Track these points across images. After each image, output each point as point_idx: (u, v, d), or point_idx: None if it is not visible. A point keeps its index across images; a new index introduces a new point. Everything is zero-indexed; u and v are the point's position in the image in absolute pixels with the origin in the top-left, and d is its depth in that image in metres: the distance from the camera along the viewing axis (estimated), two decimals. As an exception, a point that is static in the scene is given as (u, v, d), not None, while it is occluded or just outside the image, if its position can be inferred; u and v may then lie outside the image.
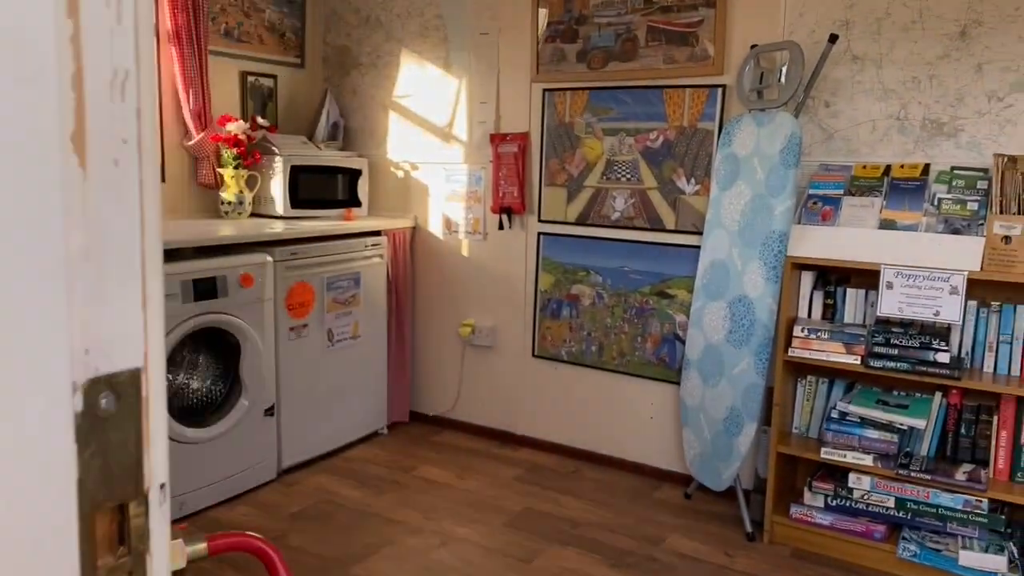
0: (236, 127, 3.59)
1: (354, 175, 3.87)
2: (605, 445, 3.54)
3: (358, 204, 3.89)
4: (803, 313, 2.84)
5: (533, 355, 3.70)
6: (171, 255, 2.86)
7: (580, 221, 3.48)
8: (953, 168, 2.65)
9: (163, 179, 3.56)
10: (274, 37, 4.00)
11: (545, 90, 3.51)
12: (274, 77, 4.04)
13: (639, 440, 3.44)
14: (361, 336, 3.71)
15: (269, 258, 3.19)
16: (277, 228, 3.32)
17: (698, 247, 3.14)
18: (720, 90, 3.08)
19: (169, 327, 2.81)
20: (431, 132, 3.88)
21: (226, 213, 3.66)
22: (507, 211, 3.66)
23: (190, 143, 3.61)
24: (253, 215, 3.73)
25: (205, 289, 2.91)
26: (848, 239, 2.59)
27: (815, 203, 2.75)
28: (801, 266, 2.74)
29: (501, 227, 3.68)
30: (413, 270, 4.04)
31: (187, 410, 3.03)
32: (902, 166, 2.73)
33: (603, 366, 3.49)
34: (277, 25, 4.01)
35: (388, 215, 4.05)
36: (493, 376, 3.85)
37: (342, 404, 3.63)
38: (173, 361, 2.98)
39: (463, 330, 3.83)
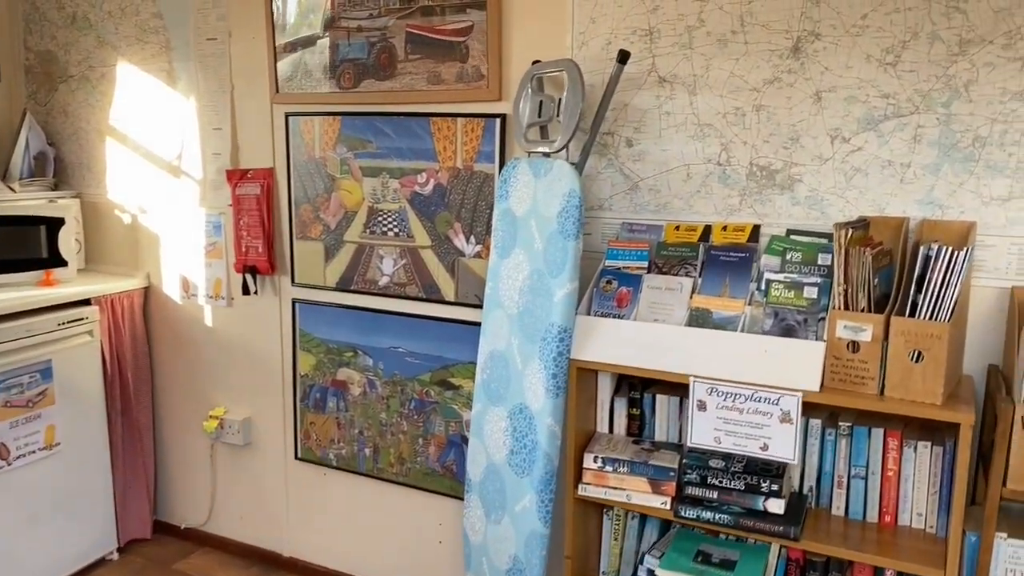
0: None
1: (54, 225, 2.92)
2: (389, 574, 2.75)
3: (61, 263, 2.94)
4: (603, 426, 2.10)
5: (296, 457, 2.86)
6: None
7: (342, 286, 2.65)
8: (789, 232, 1.95)
9: None
10: (-58, 41, 3.00)
11: (288, 114, 2.66)
12: (-54, 94, 3.03)
13: (427, 569, 2.66)
14: (60, 444, 2.78)
15: None
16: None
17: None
18: (498, 121, 2.30)
19: None
20: (159, 165, 2.97)
21: None
22: (252, 271, 2.80)
23: None
24: (-98, 286, 2.74)
25: None
26: (648, 338, 1.86)
27: (610, 282, 2.01)
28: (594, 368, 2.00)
29: (246, 291, 2.82)
30: (150, 345, 3.12)
31: None
32: (724, 228, 2.02)
33: (380, 474, 2.69)
34: (-54, 25, 3.00)
35: (112, 273, 3.11)
36: (252, 482, 2.99)
37: (41, 534, 2.69)
38: None
39: (208, 424, 2.96)
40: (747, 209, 2.03)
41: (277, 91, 2.66)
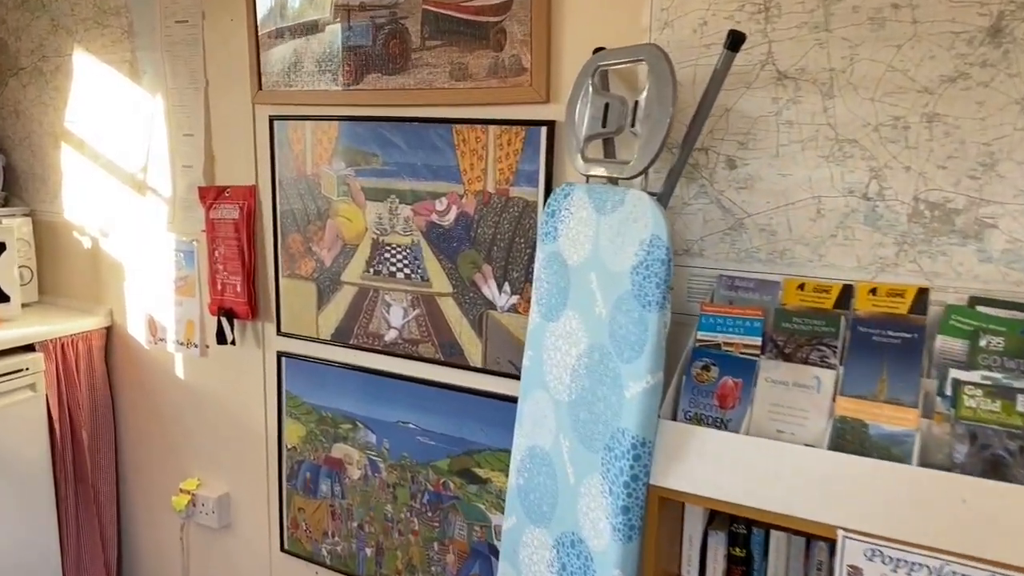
0: None
1: (-8, 252, 2.37)
2: None
3: (2, 298, 2.39)
4: (691, 571, 1.48)
5: (282, 549, 2.28)
6: None
7: (339, 339, 2.06)
8: (974, 301, 1.32)
9: None
10: None
11: (274, 118, 2.08)
12: None
13: None
14: (-10, 527, 2.23)
15: None
16: None
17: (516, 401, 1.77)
18: (544, 130, 1.69)
19: None
20: (122, 179, 2.40)
21: None
22: (229, 314, 2.22)
23: None
24: None
25: None
26: (769, 463, 1.23)
27: (707, 367, 1.39)
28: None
29: (222, 340, 2.24)
30: (113, 397, 2.57)
31: None
32: (874, 290, 1.39)
33: (383, 578, 2.10)
34: None
35: (69, 308, 2.56)
36: (229, 574, 2.42)
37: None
38: None
39: (177, 500, 2.39)
40: (908, 264, 1.39)
41: (260, 88, 2.08)
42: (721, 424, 1.34)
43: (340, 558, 2.16)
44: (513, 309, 1.79)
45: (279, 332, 2.16)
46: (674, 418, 1.37)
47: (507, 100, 1.73)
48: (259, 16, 2.05)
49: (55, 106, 2.50)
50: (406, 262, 1.92)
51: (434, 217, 1.86)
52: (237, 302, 2.19)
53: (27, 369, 2.29)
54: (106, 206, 2.45)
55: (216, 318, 2.24)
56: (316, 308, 2.08)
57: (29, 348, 2.32)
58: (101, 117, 2.41)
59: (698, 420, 1.35)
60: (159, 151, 2.30)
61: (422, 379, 1.95)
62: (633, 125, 1.39)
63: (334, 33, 1.93)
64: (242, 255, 2.17)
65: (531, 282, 1.73)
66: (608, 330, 1.39)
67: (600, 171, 1.47)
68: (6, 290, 2.39)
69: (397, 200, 1.91)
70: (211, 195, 2.20)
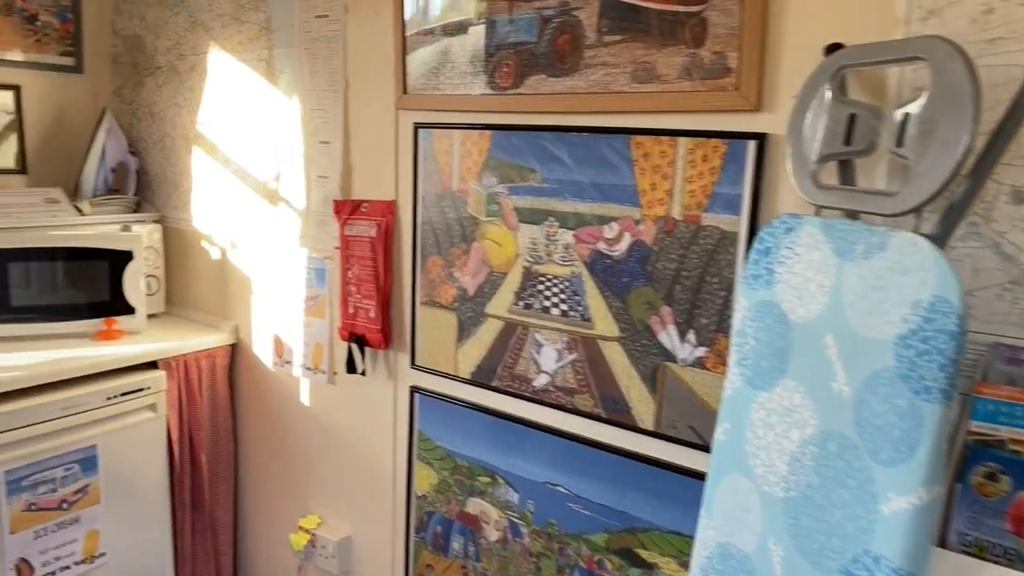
0: None
1: (120, 261, 2.25)
2: None
3: (126, 309, 2.27)
4: None
5: (404, 604, 2.04)
6: None
7: (480, 379, 1.80)
8: None
9: None
10: (10, 22, 2.40)
11: (419, 125, 1.83)
12: (15, 89, 2.44)
13: None
14: (106, 555, 2.10)
15: None
16: None
17: (702, 476, 1.45)
18: (752, 145, 1.36)
19: None
20: (254, 188, 2.24)
21: None
22: (361, 341, 2.00)
23: None
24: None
25: None
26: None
27: (992, 475, 1.02)
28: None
29: (351, 369, 2.03)
30: (234, 419, 2.41)
31: None
32: None
33: (518, 657, 1.82)
34: (16, 3, 2.40)
35: (193, 322, 2.42)
36: (345, 621, 2.21)
37: None
38: None
39: (296, 539, 2.19)
40: None
41: (405, 91, 1.84)
42: (1016, 559, 0.97)
43: (470, 627, 1.90)
44: (699, 364, 1.46)
45: (413, 365, 1.92)
46: (943, 543, 1.01)
47: (705, 107, 1.40)
48: (407, 9, 1.81)
49: (189, 107, 2.36)
50: (563, 296, 1.63)
51: (601, 245, 1.56)
52: (370, 328, 1.97)
53: (148, 388, 2.15)
54: (236, 216, 2.29)
55: (347, 344, 2.02)
56: (456, 342, 1.83)
57: (151, 366, 2.18)
58: (235, 120, 2.25)
59: (981, 549, 0.99)
60: (294, 159, 2.11)
61: (577, 436, 1.65)
62: (899, 145, 1.04)
63: (492, 28, 1.67)
64: (377, 277, 1.94)
65: (727, 334, 1.40)
66: (853, 416, 1.04)
67: (842, 202, 1.12)
68: (131, 302, 2.26)
69: (556, 223, 1.62)
70: (347, 210, 1.99)
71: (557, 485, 1.69)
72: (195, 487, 2.31)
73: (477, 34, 1.70)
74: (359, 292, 1.99)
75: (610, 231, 1.55)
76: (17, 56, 2.42)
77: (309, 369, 2.17)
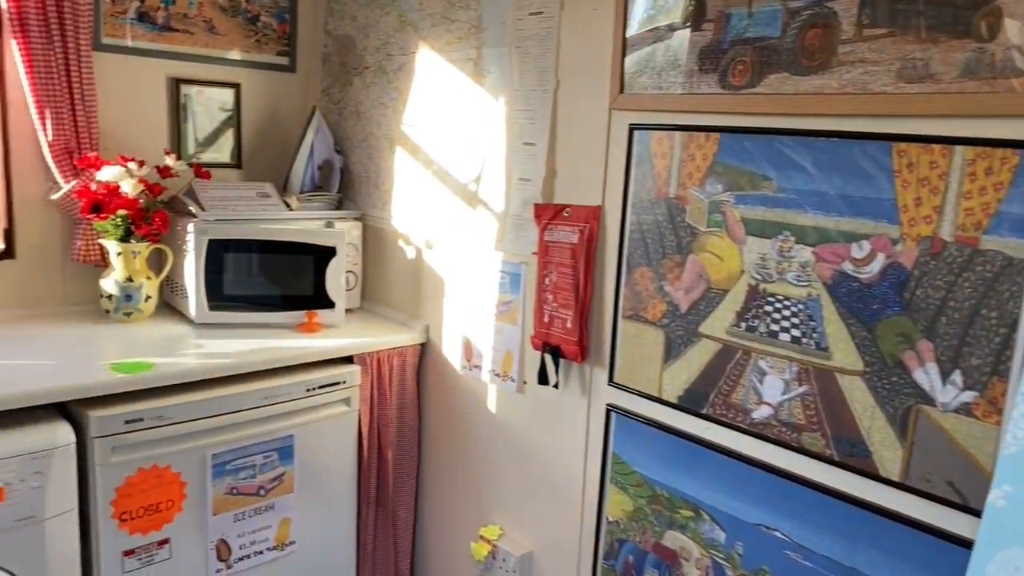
0: (113, 174, 2.15)
1: (324, 256, 2.29)
2: None
3: (327, 303, 2.31)
4: None
5: (587, 633, 1.93)
6: None
7: (687, 404, 1.65)
8: None
9: (9, 253, 2.21)
10: (236, 23, 2.52)
11: (634, 127, 1.72)
12: (235, 87, 2.56)
13: None
14: (295, 544, 2.14)
15: (65, 437, 1.70)
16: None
17: (960, 543, 1.24)
18: (1060, 157, 1.13)
19: None
20: (452, 189, 2.21)
21: (107, 312, 2.24)
22: (555, 352, 1.91)
23: (55, 196, 2.22)
24: (172, 314, 2.28)
25: None
26: None
27: None
28: None
29: (543, 380, 1.94)
30: (420, 418, 2.40)
31: None
32: None
33: None
34: (242, 5, 2.52)
35: (385, 319, 2.44)
36: (521, 640, 2.13)
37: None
38: None
39: (477, 548, 2.14)
40: None
41: (622, 91, 1.73)
42: None
43: (660, 670, 1.76)
44: (965, 410, 1.25)
45: (611, 382, 1.81)
46: None
47: (992, 111, 1.19)
48: (629, 4, 1.70)
49: (394, 108, 2.37)
50: (796, 321, 1.46)
51: (847, 266, 1.38)
52: (565, 339, 1.87)
53: (344, 382, 2.17)
54: (434, 216, 2.27)
55: (540, 354, 1.94)
56: (662, 361, 1.69)
57: (347, 360, 2.20)
58: (438, 121, 2.23)
59: None
60: (495, 161, 2.06)
61: (801, 477, 1.47)
62: None
63: (726, 22, 1.52)
64: (576, 286, 1.84)
65: (1006, 379, 1.19)
66: None
67: None
68: (332, 296, 2.30)
69: (792, 238, 1.45)
70: (548, 214, 1.91)
71: (773, 529, 1.52)
72: (380, 484, 2.32)
73: (708, 29, 1.55)
74: (556, 300, 1.90)
75: (859, 250, 1.36)
76: (237, 55, 2.53)
77: (498, 375, 2.11)
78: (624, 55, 1.72)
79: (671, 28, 1.62)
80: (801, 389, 1.46)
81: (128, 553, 1.84)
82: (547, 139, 1.91)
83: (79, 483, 1.74)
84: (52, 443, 1.67)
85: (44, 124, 2.14)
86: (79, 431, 1.74)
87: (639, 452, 1.76)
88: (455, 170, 2.18)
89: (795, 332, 1.46)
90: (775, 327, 1.49)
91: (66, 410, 1.79)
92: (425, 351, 2.35)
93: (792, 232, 1.45)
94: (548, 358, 1.93)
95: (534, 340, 1.97)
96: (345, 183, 2.58)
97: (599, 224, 1.81)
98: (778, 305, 1.48)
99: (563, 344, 1.89)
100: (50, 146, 2.15)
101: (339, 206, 2.54)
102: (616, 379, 1.80)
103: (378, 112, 2.44)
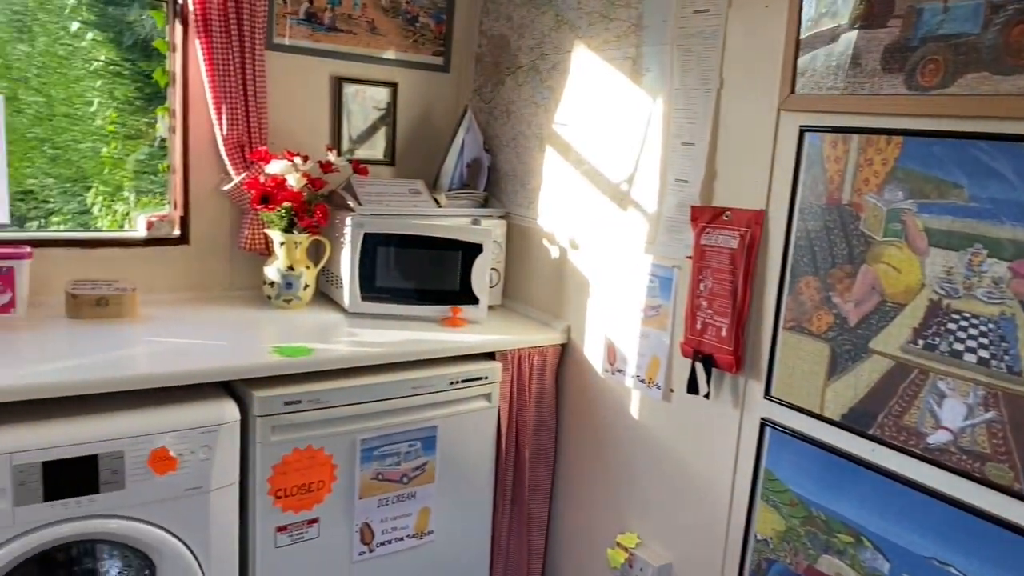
0: (281, 167, 2.26)
1: (470, 252, 2.32)
2: None
3: (472, 300, 2.34)
4: None
5: (727, 654, 1.86)
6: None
7: (853, 423, 1.56)
8: None
9: (184, 239, 2.37)
10: (396, 24, 2.60)
11: (805, 129, 1.64)
12: (392, 86, 2.64)
13: None
14: (433, 533, 2.18)
15: (232, 413, 1.80)
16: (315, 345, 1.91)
17: None
18: None
19: (-21, 553, 1.55)
20: (602, 189, 2.19)
21: (269, 298, 2.36)
22: (707, 361, 1.85)
23: (227, 187, 2.36)
24: (327, 303, 2.38)
25: (68, 480, 1.61)
26: None
27: None
28: None
29: (693, 388, 1.89)
30: (558, 419, 2.39)
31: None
32: None
33: None
34: (402, 5, 2.59)
35: (526, 318, 2.44)
36: (655, 653, 2.08)
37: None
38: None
39: (613, 555, 2.11)
40: None
41: (792, 91, 1.65)
42: None
43: None
44: None
45: (767, 395, 1.73)
46: None
47: None
48: (804, 1, 1.62)
49: (546, 107, 2.38)
50: (985, 341, 1.34)
51: (1050, 284, 1.25)
52: (719, 348, 1.81)
53: (486, 378, 2.19)
54: (581, 217, 2.26)
55: (690, 362, 1.89)
56: (825, 376, 1.61)
57: (488, 356, 2.22)
58: (591, 120, 2.21)
59: None
60: (649, 161, 2.02)
61: (983, 511, 1.35)
62: None
63: (917, 18, 1.42)
64: (734, 293, 1.78)
65: None
66: None
67: None
68: (477, 292, 2.33)
69: (984, 251, 1.34)
70: (705, 217, 1.85)
71: (947, 564, 1.41)
72: (516, 482, 2.32)
73: (895, 26, 1.46)
74: (710, 307, 1.84)
75: (1067, 267, 1.24)
76: (394, 55, 2.61)
77: (642, 381, 2.07)
78: (797, 54, 1.64)
79: (851, 25, 1.53)
80: (988, 415, 1.34)
81: (281, 529, 1.93)
82: (708, 139, 1.85)
83: (240, 459, 1.84)
84: (220, 419, 1.77)
85: (220, 119, 2.28)
86: (243, 409, 1.83)
87: (795, 470, 1.68)
88: (606, 170, 2.16)
89: (983, 353, 1.35)
90: (959, 347, 1.38)
91: (231, 388, 1.89)
92: (566, 352, 2.34)
93: (984, 245, 1.34)
94: (699, 366, 1.87)
95: (684, 347, 1.91)
96: (491, 181, 2.61)
97: (762, 229, 1.74)
98: (964, 323, 1.37)
99: (716, 353, 1.82)
100: (224, 140, 2.29)
101: (485, 204, 2.58)
102: (773, 392, 1.72)
103: (529, 111, 2.45)
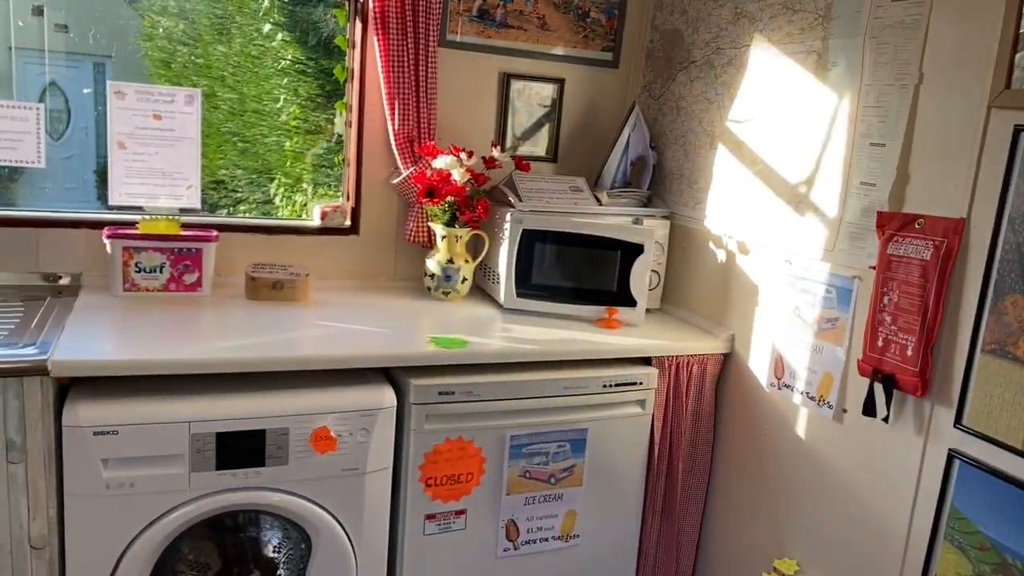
0: (446, 162, 2.29)
1: (630, 253, 2.26)
2: None
3: (629, 302, 2.27)
4: None
5: None
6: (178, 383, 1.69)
7: (1063, 463, 1.36)
8: None
9: (354, 230, 2.46)
10: (567, 19, 2.58)
11: (1020, 128, 1.45)
12: (559, 82, 2.62)
13: None
14: (579, 537, 2.14)
15: (390, 399, 1.85)
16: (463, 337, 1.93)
17: None
18: None
19: (160, 512, 1.68)
20: (777, 191, 2.06)
21: (428, 290, 2.41)
22: (888, 381, 1.69)
23: (395, 181, 2.43)
24: (483, 297, 2.41)
25: (238, 451, 1.70)
26: None
27: None
28: None
29: (870, 411, 1.73)
30: (715, 432, 2.28)
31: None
32: None
33: None
34: (574, 1, 2.57)
35: (686, 323, 2.34)
36: None
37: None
38: None
39: (767, 581, 1.98)
40: None
41: (1007, 86, 1.47)
42: None
43: None
44: None
45: (958, 424, 1.55)
46: None
47: None
48: (1028, -18, 1.43)
49: (719, 103, 2.27)
50: None
51: None
52: (903, 368, 1.65)
53: (641, 384, 2.12)
54: (752, 219, 2.13)
55: (868, 381, 1.73)
56: (1032, 408, 1.41)
57: (644, 362, 2.15)
58: (768, 118, 2.08)
59: None
60: (832, 162, 1.87)
61: None
62: None
63: None
64: (923, 309, 1.61)
65: None
66: None
67: None
68: (635, 294, 2.26)
69: None
70: (894, 224, 1.69)
71: None
72: (668, 493, 2.24)
73: None
74: (895, 323, 1.68)
75: None
76: (562, 51, 2.59)
77: (812, 399, 1.92)
78: (1016, 47, 1.45)
79: (1088, 9, 1.33)
80: None
81: (430, 517, 1.96)
82: (901, 139, 1.69)
83: (394, 446, 1.88)
84: (379, 404, 1.82)
85: (392, 114, 2.34)
86: (399, 396, 1.87)
87: (988, 511, 1.49)
88: (783, 170, 2.03)
89: None
90: None
91: (389, 375, 1.94)
92: (728, 362, 2.23)
93: None
94: (879, 387, 1.71)
95: (862, 365, 1.76)
96: (656, 180, 2.53)
97: (960, 239, 1.56)
98: None
99: (899, 373, 1.66)
100: (395, 135, 2.36)
101: (648, 203, 2.50)
102: (966, 422, 1.54)
103: (700, 108, 2.35)
